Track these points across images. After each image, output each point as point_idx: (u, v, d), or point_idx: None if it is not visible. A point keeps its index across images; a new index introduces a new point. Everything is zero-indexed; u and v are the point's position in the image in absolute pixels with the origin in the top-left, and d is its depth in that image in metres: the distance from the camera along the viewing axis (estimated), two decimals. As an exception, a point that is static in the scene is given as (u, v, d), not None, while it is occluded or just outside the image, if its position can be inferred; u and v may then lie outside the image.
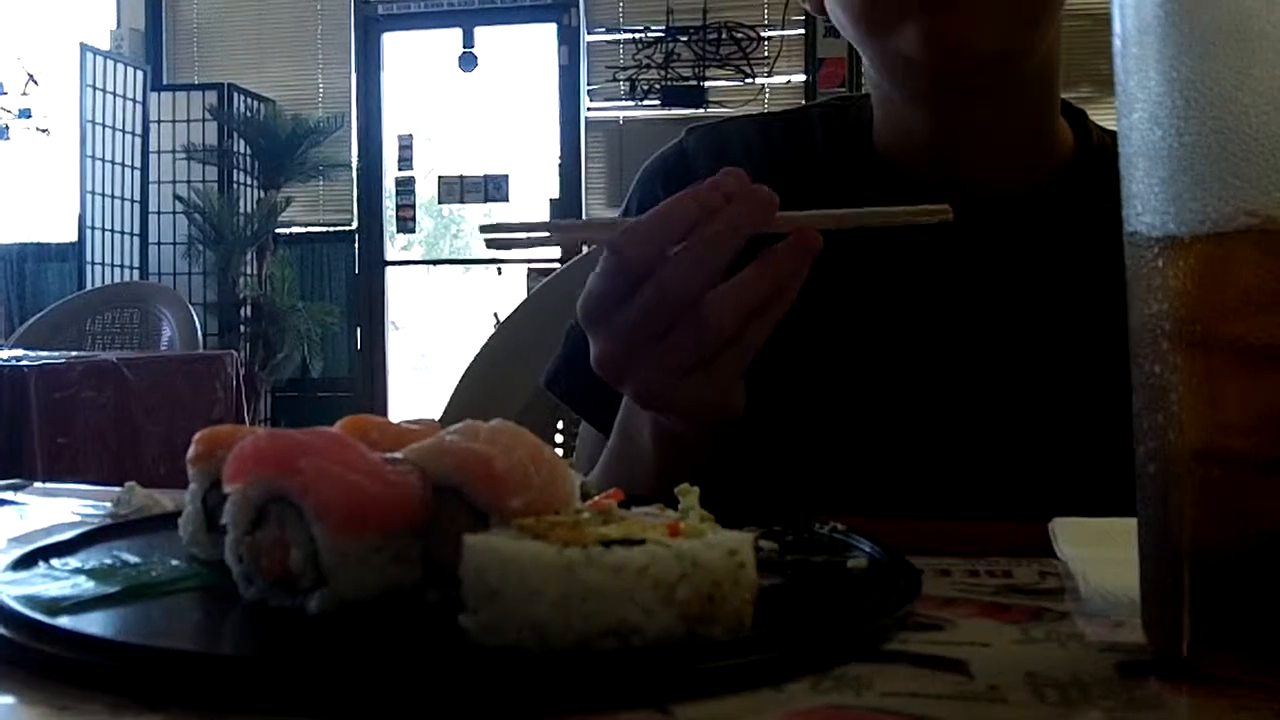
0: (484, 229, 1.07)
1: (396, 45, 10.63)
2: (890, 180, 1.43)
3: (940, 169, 1.42)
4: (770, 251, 1.04)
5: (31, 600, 0.74)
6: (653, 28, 9.58)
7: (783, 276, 1.04)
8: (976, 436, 1.37)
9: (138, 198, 10.08)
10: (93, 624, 0.72)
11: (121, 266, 9.92)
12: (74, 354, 4.95)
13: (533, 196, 10.33)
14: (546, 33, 10.19)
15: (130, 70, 10.12)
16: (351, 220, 10.49)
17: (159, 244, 10.15)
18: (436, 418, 0.90)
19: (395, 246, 10.88)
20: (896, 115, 1.44)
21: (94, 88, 9.66)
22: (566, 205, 9.75)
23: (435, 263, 12.33)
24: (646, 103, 9.58)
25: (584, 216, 8.56)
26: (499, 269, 10.67)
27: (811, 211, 1.07)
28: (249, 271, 9.92)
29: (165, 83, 10.59)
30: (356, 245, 10.46)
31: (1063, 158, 1.46)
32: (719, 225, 1.01)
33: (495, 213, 10.85)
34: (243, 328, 9.87)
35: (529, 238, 1.11)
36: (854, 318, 1.40)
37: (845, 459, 1.39)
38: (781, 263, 1.04)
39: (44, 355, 4.76)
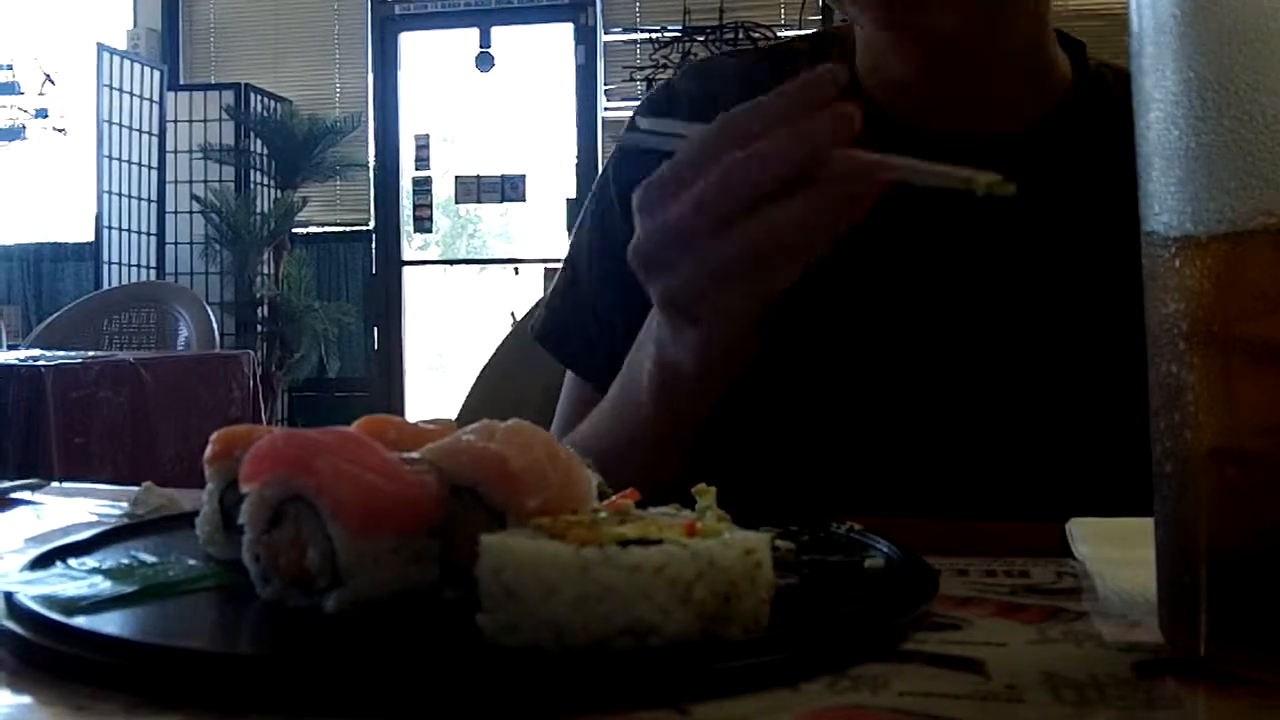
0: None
1: (413, 45, 10.64)
2: (876, 121, 1.23)
3: (926, 109, 1.40)
4: (835, 177, 0.99)
5: (49, 600, 0.74)
6: (669, 27, 9.57)
7: (842, 202, 1.00)
8: (991, 406, 1.36)
9: (155, 197, 10.09)
10: (110, 624, 0.72)
11: (138, 266, 9.93)
12: (91, 354, 4.95)
13: (550, 196, 10.33)
14: (563, 32, 10.19)
15: (147, 70, 10.13)
16: (368, 220, 10.50)
17: (176, 244, 10.16)
18: (453, 417, 0.90)
19: (412, 246, 10.89)
20: (881, 58, 1.43)
21: (111, 87, 9.67)
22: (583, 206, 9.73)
23: (452, 262, 12.33)
24: (663, 103, 9.57)
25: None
26: (515, 269, 10.69)
27: (882, 157, 1.00)
28: (266, 271, 9.93)
29: (182, 82, 10.60)
30: (373, 245, 10.46)
31: (1062, 90, 1.44)
32: (798, 132, 0.98)
33: (511, 213, 10.86)
34: (259, 327, 9.87)
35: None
36: (858, 290, 1.39)
37: (852, 438, 1.39)
38: (845, 186, 0.99)
39: (61, 355, 4.77)
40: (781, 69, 1.43)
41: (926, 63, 1.38)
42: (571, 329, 1.53)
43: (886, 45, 1.41)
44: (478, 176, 10.40)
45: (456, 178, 10.48)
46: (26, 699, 0.64)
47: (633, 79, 9.68)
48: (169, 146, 10.20)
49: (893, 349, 1.39)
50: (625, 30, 9.82)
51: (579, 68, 10.07)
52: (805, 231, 0.99)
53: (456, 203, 10.78)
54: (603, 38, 9.95)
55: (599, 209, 1.55)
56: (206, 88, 10.42)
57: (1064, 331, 1.37)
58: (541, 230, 10.88)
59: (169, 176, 10.16)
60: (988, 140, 1.34)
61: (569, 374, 1.57)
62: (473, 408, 1.92)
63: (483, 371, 2.02)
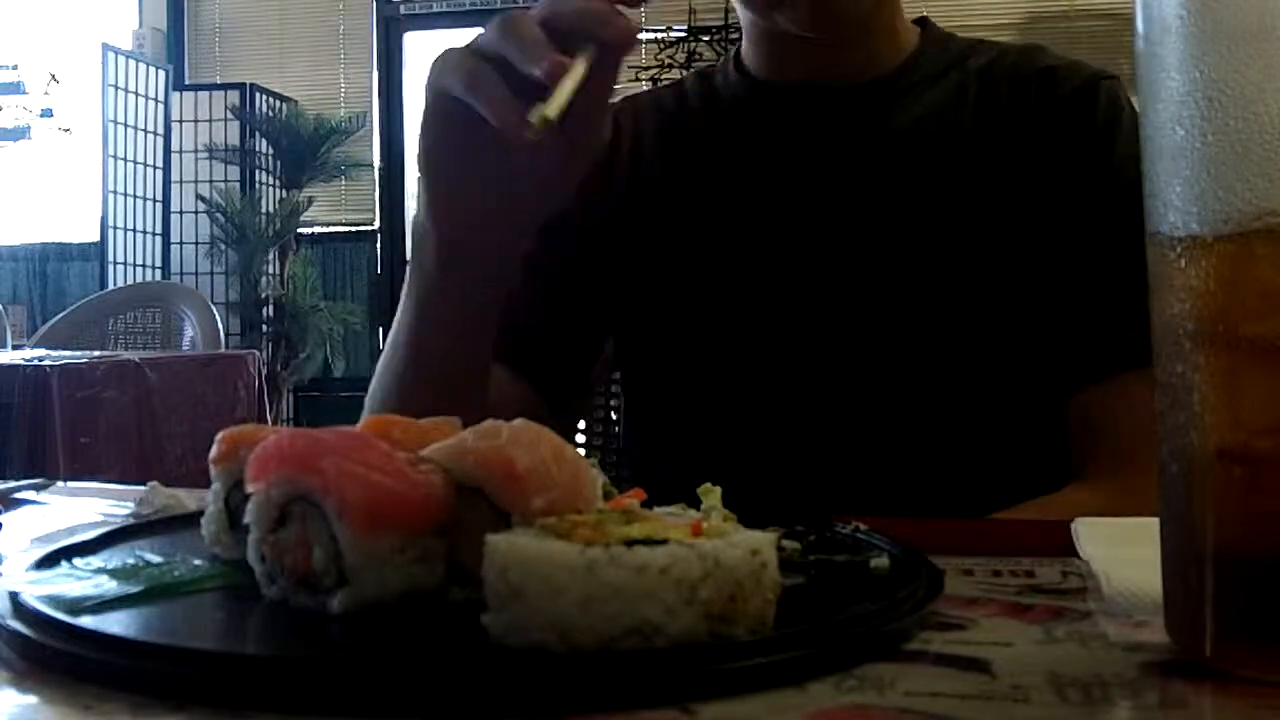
0: None
1: (419, 45, 10.63)
2: (760, 89, 1.65)
3: (792, 66, 1.61)
4: None
5: (54, 600, 0.74)
6: (675, 27, 9.55)
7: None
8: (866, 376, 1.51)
9: (160, 197, 10.10)
10: (115, 623, 0.72)
11: (144, 266, 9.94)
12: (96, 354, 4.96)
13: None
14: (568, 32, 10.17)
15: (152, 70, 10.14)
16: (374, 220, 10.49)
17: (181, 244, 10.17)
18: (458, 418, 0.90)
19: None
20: (762, 31, 1.63)
21: (116, 87, 9.68)
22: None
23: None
24: (668, 103, 9.55)
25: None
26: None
27: None
28: (271, 271, 9.93)
29: (187, 82, 10.61)
30: (379, 245, 10.46)
31: (909, 51, 1.63)
32: None
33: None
34: (265, 327, 9.87)
35: None
36: (731, 242, 1.58)
37: (742, 395, 1.55)
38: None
39: (66, 355, 4.77)
40: (666, 105, 1.73)
41: (811, 48, 1.58)
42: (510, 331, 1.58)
43: (777, 40, 1.61)
44: (482, 176, 10.39)
45: (462, 178, 10.46)
46: (32, 699, 0.64)
47: (638, 79, 9.65)
48: (174, 146, 10.21)
49: (778, 314, 1.54)
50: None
51: (584, 68, 10.05)
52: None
53: (461, 203, 10.77)
54: (608, 37, 9.93)
55: None
56: (212, 88, 10.43)
57: (937, 265, 1.51)
58: (546, 230, 10.87)
59: (174, 176, 10.17)
60: (848, 87, 1.59)
61: None
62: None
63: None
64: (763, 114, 1.62)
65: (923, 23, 1.67)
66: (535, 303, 1.59)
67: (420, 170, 1.26)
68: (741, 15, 1.65)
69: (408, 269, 1.34)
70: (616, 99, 1.71)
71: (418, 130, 1.24)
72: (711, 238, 1.58)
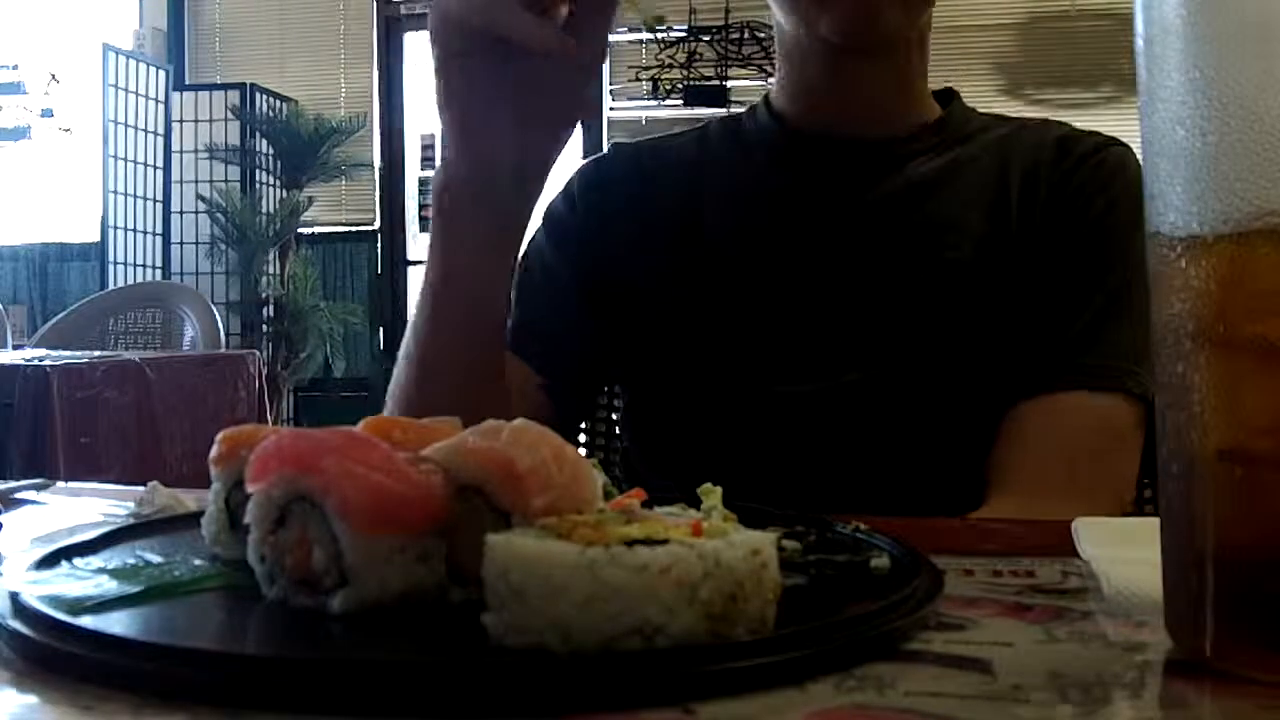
0: None
1: (419, 45, 10.63)
2: (781, 132, 1.71)
3: (827, 121, 1.67)
4: None
5: (55, 600, 0.74)
6: (675, 27, 9.56)
7: None
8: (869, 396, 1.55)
9: (160, 197, 10.10)
10: (116, 623, 0.72)
11: (144, 266, 9.94)
12: (97, 354, 4.97)
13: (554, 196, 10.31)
14: (568, 32, 10.17)
15: (153, 70, 10.14)
16: (374, 220, 10.49)
17: (181, 243, 10.17)
18: (459, 418, 0.90)
19: (418, 246, 10.87)
20: (798, 64, 1.68)
21: (116, 87, 9.67)
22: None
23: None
24: (669, 103, 9.54)
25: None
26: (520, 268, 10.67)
27: None
28: (271, 271, 9.92)
29: (188, 82, 10.60)
30: (379, 245, 10.46)
31: (930, 115, 1.69)
32: None
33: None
34: (265, 327, 9.87)
35: None
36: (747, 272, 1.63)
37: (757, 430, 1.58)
38: None
39: (66, 355, 4.78)
40: (689, 148, 1.80)
41: (836, 73, 1.64)
42: (526, 329, 1.68)
43: (804, 60, 1.67)
44: (483, 176, 10.38)
45: (462, 177, 10.46)
46: (33, 699, 0.64)
47: (638, 79, 9.66)
48: (174, 146, 10.20)
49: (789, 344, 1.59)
50: (631, 30, 9.80)
51: (584, 67, 10.05)
52: None
53: (461, 202, 10.76)
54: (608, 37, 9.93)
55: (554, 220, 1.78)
56: (212, 88, 10.42)
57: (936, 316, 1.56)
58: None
59: (174, 176, 10.16)
60: (870, 142, 1.65)
61: None
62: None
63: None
64: (789, 156, 1.68)
65: (949, 93, 1.74)
66: (546, 306, 1.68)
67: (441, 110, 1.32)
68: (779, 65, 1.74)
69: (430, 229, 1.41)
70: (642, 140, 1.83)
71: (432, 72, 1.30)
72: (725, 266, 1.64)
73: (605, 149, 1.81)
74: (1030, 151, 1.61)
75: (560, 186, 1.78)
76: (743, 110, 1.81)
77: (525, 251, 1.67)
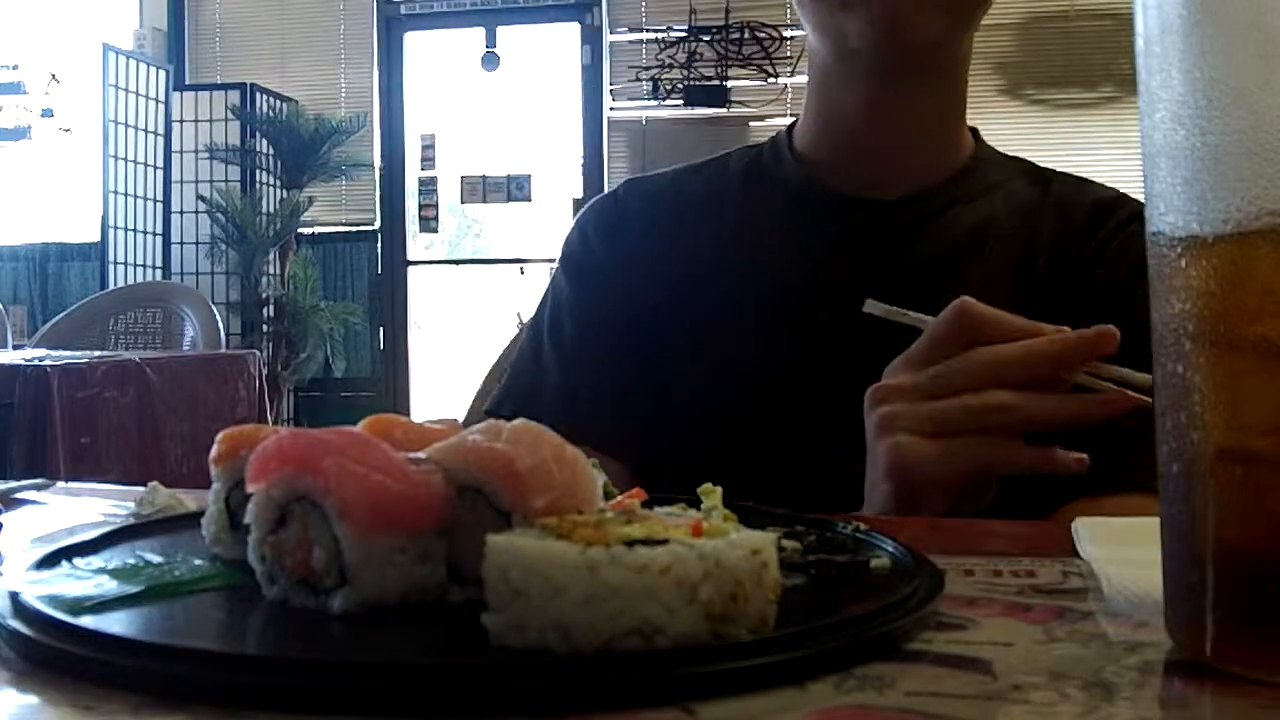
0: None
1: (419, 45, 10.64)
2: (809, 183, 1.66)
3: (855, 169, 1.64)
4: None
5: (55, 600, 0.74)
6: (675, 27, 9.56)
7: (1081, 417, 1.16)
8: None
9: (160, 197, 10.10)
10: (116, 623, 0.72)
11: (144, 266, 9.93)
12: (97, 354, 4.97)
13: (555, 197, 10.32)
14: (569, 32, 10.18)
15: (153, 70, 10.14)
16: (374, 220, 10.49)
17: (181, 243, 10.17)
18: (459, 418, 0.90)
19: (418, 246, 10.88)
20: (830, 97, 1.64)
21: (116, 87, 9.67)
22: (588, 205, 9.72)
23: (458, 262, 12.31)
24: (669, 103, 9.55)
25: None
26: (521, 269, 10.67)
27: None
28: (271, 271, 9.93)
29: (188, 82, 10.61)
30: (379, 245, 10.46)
31: (960, 162, 1.66)
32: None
33: (517, 212, 10.84)
34: (265, 327, 9.87)
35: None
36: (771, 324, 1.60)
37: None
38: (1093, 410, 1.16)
39: (67, 355, 4.78)
40: (714, 167, 1.76)
41: (870, 101, 1.59)
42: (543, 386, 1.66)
43: (838, 84, 1.61)
44: (483, 176, 10.39)
45: (462, 178, 10.46)
46: (33, 699, 0.64)
47: (639, 79, 9.67)
48: (175, 146, 10.20)
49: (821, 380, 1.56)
50: (631, 30, 9.81)
51: (584, 67, 10.07)
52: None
53: (462, 203, 10.75)
54: (608, 37, 9.95)
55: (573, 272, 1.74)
56: (212, 88, 10.42)
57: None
58: (547, 230, 10.86)
59: (175, 176, 10.16)
60: (897, 202, 1.61)
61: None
62: (479, 408, 1.92)
63: (489, 371, 2.02)
64: (817, 211, 1.65)
65: (972, 133, 1.71)
66: (588, 368, 1.65)
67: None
68: (808, 102, 1.69)
69: None
70: (659, 173, 1.80)
71: None
72: (749, 317, 1.61)
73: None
74: (1061, 213, 1.60)
75: (576, 232, 1.75)
76: (758, 138, 1.77)
77: (548, 314, 1.70)
